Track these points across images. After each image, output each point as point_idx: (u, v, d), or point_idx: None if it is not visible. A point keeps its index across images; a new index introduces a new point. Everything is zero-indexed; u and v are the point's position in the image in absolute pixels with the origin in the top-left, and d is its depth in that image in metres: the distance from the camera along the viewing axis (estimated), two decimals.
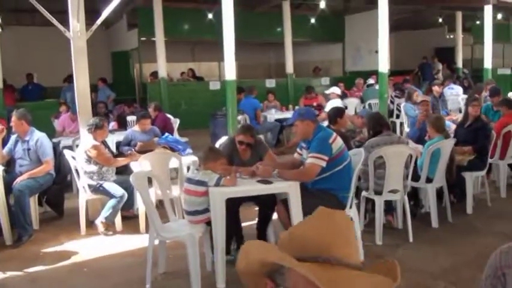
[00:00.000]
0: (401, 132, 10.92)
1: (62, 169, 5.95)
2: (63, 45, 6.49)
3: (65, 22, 5.77)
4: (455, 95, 11.62)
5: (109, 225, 5.34)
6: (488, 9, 12.10)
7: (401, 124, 11.07)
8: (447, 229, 5.28)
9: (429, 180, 5.29)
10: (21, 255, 4.92)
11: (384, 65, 10.06)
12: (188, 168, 5.34)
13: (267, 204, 4.38)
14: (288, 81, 13.98)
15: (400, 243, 4.89)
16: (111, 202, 5.27)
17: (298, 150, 4.52)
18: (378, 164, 4.77)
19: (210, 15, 13.29)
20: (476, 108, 6.10)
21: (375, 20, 15.11)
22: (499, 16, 16.82)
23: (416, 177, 5.20)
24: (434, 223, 5.29)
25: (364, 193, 4.96)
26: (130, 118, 8.88)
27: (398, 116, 11.09)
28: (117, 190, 5.28)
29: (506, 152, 6.34)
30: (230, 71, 7.65)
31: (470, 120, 6.13)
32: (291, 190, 3.95)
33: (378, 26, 14.10)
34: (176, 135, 7.60)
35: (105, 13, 5.98)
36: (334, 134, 4.19)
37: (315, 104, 10.24)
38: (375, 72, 14.15)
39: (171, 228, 4.05)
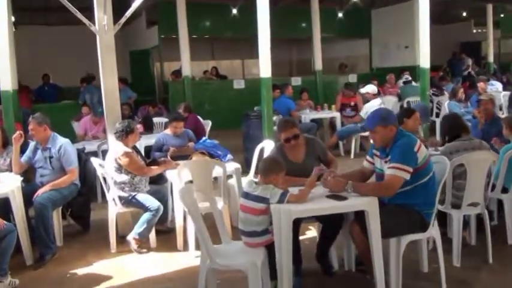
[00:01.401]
0: None
1: (87, 178, 5.36)
2: (80, 44, 5.94)
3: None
4: (495, 91, 10.85)
5: (142, 241, 4.73)
6: None
7: None
8: None
9: (504, 190, 4.61)
10: (44, 278, 4.33)
11: (425, 60, 9.32)
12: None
13: (333, 221, 3.74)
14: (317, 79, 13.29)
15: (479, 265, 4.21)
16: (146, 216, 4.65)
17: (368, 157, 3.87)
18: (458, 174, 4.10)
19: (234, 11, 12.65)
20: None
21: (403, 13, 14.61)
22: None
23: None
24: (511, 239, 4.60)
25: (438, 207, 4.27)
26: (157, 120, 8.27)
27: (438, 115, 10.39)
28: (153, 202, 4.66)
29: None
30: (265, 69, 7.06)
31: None
32: (370, 207, 3.30)
33: (413, 19, 13.54)
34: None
35: (136, 4, 5.36)
36: (419, 141, 3.53)
37: (352, 103, 9.52)
38: (403, 69, 13.55)
39: (226, 253, 3.41)
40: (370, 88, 9.25)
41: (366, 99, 9.36)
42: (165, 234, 5.06)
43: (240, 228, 3.48)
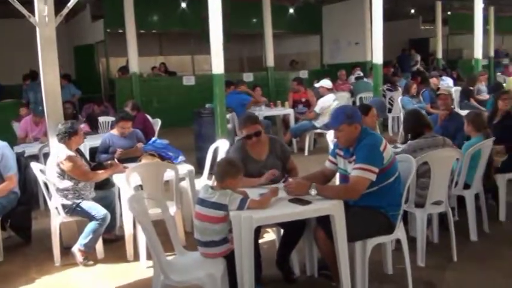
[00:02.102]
0: (397, 128, 10.29)
1: (28, 185, 4.90)
2: (22, 39, 5.47)
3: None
4: (446, 87, 11.00)
5: (89, 253, 4.34)
6: None
7: (397, 119, 10.44)
8: (487, 242, 4.57)
9: (466, 186, 4.55)
10: None
11: (378, 56, 9.32)
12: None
13: (295, 226, 3.52)
14: (269, 75, 13.11)
15: (444, 264, 4.11)
16: (92, 225, 4.27)
17: (330, 157, 3.66)
18: (421, 172, 3.97)
19: (183, 4, 12.24)
20: (506, 102, 5.40)
21: (353, 10, 14.65)
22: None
23: None
24: (473, 236, 4.56)
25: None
26: (103, 119, 7.80)
27: (390, 111, 10.44)
28: (99, 210, 4.29)
29: None
30: (218, 65, 6.75)
31: (500, 115, 5.43)
32: (336, 211, 3.09)
33: (364, 16, 13.69)
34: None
35: None
36: (384, 140, 3.36)
37: (303, 99, 9.38)
38: (354, 65, 13.60)
39: (181, 267, 3.11)
40: (325, 82, 9.09)
41: (319, 94, 9.21)
42: (113, 243, 4.69)
43: (196, 238, 3.20)
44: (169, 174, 4.39)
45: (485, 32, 13.93)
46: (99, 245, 4.42)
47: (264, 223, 3.05)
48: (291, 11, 14.24)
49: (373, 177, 3.20)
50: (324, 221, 3.18)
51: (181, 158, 4.98)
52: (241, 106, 8.45)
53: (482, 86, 10.43)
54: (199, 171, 5.56)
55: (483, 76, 10.71)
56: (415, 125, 4.35)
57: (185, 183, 4.70)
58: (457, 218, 4.78)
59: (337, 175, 3.72)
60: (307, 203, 3.09)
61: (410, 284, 3.60)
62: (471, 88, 10.21)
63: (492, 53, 17.26)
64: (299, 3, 13.84)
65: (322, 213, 3.09)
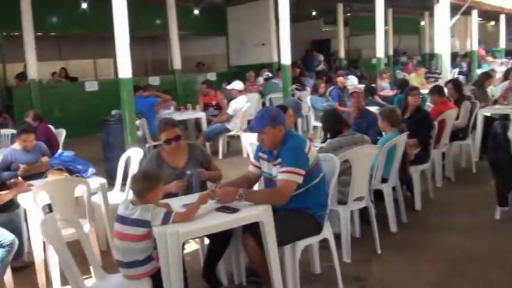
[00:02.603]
0: (307, 127, 10.48)
1: None
2: None
3: None
4: (351, 85, 11.42)
5: None
6: None
7: (306, 118, 10.63)
8: (407, 231, 4.75)
9: (384, 180, 4.68)
10: None
11: (286, 56, 9.43)
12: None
13: (222, 235, 3.36)
14: (176, 78, 12.80)
15: (369, 257, 4.20)
16: None
17: (253, 161, 3.56)
18: (342, 170, 3.98)
19: (84, 5, 11.53)
20: (416, 97, 5.66)
21: (258, 11, 14.76)
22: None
23: None
24: (393, 227, 4.72)
25: None
26: (2, 132, 7.11)
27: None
28: (5, 236, 3.80)
29: (440, 141, 5.99)
30: (125, 69, 6.45)
31: (411, 110, 5.68)
32: (265, 217, 2.99)
33: (268, 17, 13.83)
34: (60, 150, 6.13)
35: None
36: (308, 142, 3.31)
37: (214, 102, 9.24)
38: (261, 66, 13.72)
39: None
40: (237, 84, 9.04)
41: (229, 96, 9.13)
42: (23, 271, 4.23)
43: (118, 259, 2.94)
44: (80, 190, 4.06)
45: (385, 32, 14.67)
46: (8, 275, 3.92)
47: (192, 236, 2.88)
48: (196, 12, 14.03)
49: (300, 179, 3.15)
50: (252, 227, 3.06)
51: (91, 170, 4.63)
52: (150, 110, 8.10)
53: (385, 83, 10.94)
54: (110, 182, 5.22)
55: (386, 74, 11.25)
56: (334, 124, 4.38)
57: (97, 198, 4.37)
58: (375, 210, 4.91)
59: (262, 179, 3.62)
60: (236, 210, 2.96)
61: (340, 281, 3.60)
62: (374, 85, 10.67)
63: (391, 52, 18.21)
64: (203, 5, 13.67)
65: (252, 220, 2.97)
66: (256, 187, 3.82)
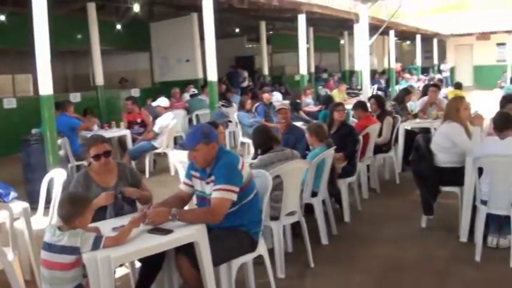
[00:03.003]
0: (235, 143, 10.49)
1: None
2: None
3: None
4: (276, 101, 11.60)
5: None
6: (302, 18, 12.41)
7: (233, 134, 10.64)
8: (337, 244, 4.85)
9: (313, 193, 4.75)
10: None
11: (212, 73, 9.43)
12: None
13: (155, 258, 3.23)
14: (99, 95, 12.38)
15: (303, 271, 4.23)
16: None
17: (185, 180, 3.47)
18: (274, 185, 3.97)
19: (1, 17, 10.82)
20: (341, 113, 5.84)
21: (182, 27, 14.67)
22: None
23: None
24: (324, 240, 4.81)
25: None
26: None
27: (227, 126, 10.59)
28: None
29: (365, 154, 6.21)
30: (46, 85, 6.16)
31: (337, 125, 5.85)
32: (200, 237, 2.91)
33: (192, 33, 13.77)
34: None
35: None
36: (241, 158, 3.29)
37: (139, 120, 9.01)
38: (186, 82, 13.62)
39: None
40: (162, 101, 8.87)
41: (156, 113, 8.95)
42: None
43: None
44: (1, 216, 3.77)
45: (307, 50, 15.09)
46: None
47: (125, 261, 2.73)
48: (119, 26, 13.71)
49: (234, 196, 3.11)
50: (186, 248, 2.97)
51: (13, 194, 4.30)
52: (71, 130, 7.74)
53: (309, 99, 11.22)
54: (32, 206, 4.89)
55: (309, 90, 11.55)
56: (264, 140, 4.39)
57: (20, 224, 4.08)
58: (306, 224, 4.97)
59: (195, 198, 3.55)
60: (169, 232, 2.86)
61: None
62: (299, 101, 10.91)
63: (313, 69, 18.76)
64: (126, 19, 13.38)
65: (186, 241, 2.88)
66: (187, 206, 3.74)
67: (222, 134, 4.84)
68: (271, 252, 4.01)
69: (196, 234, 2.90)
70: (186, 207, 3.58)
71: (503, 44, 24.64)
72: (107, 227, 2.99)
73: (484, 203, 4.30)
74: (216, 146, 3.22)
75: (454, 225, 4.90)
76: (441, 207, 5.27)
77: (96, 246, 2.64)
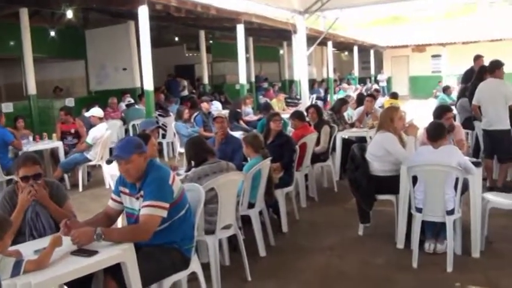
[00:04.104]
0: (173, 153, 10.28)
1: None
2: None
3: None
4: (216, 110, 11.50)
5: None
6: (240, 28, 12.40)
7: (171, 144, 10.42)
8: (276, 255, 4.78)
9: (250, 205, 4.67)
10: None
11: (148, 82, 9.20)
12: None
13: (80, 281, 3.00)
14: (31, 104, 11.77)
15: (240, 285, 4.15)
16: None
17: (114, 196, 3.29)
18: (209, 198, 3.87)
19: None
20: (278, 123, 5.81)
21: (118, 35, 14.27)
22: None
23: None
24: (262, 251, 4.74)
25: None
26: None
27: (164, 136, 10.38)
28: None
29: (303, 164, 6.21)
30: None
31: (273, 135, 5.81)
32: (127, 257, 2.74)
33: (129, 41, 13.43)
34: None
35: None
36: (172, 173, 3.15)
37: (73, 130, 8.65)
38: (123, 91, 13.26)
39: None
40: (96, 111, 8.53)
41: (90, 123, 8.61)
42: None
43: None
44: None
45: (246, 59, 15.10)
46: None
47: (47, 287, 2.50)
48: (53, 34, 13.14)
49: (164, 213, 2.97)
50: (114, 269, 2.79)
51: None
52: (3, 143, 7.27)
53: (249, 108, 11.18)
54: None
55: (249, 99, 11.52)
56: (198, 152, 4.27)
57: None
58: (243, 236, 4.86)
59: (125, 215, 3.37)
60: (94, 253, 2.67)
61: None
62: (239, 110, 10.85)
63: (254, 78, 18.80)
64: (60, 26, 12.85)
65: (112, 262, 2.70)
66: (120, 224, 3.56)
67: (155, 146, 4.65)
68: (207, 266, 3.90)
69: (122, 254, 2.73)
70: (117, 225, 3.41)
71: (438, 55, 25.70)
72: (29, 249, 2.76)
73: (419, 210, 4.38)
74: (147, 158, 3.07)
75: (391, 233, 4.98)
76: (378, 215, 5.34)
77: (16, 271, 2.42)
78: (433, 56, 26.41)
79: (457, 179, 4.22)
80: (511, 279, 4.05)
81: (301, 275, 4.31)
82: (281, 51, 23.26)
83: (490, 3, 27.01)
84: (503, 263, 4.35)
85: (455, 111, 8.90)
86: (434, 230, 4.58)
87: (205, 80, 17.02)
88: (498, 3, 26.85)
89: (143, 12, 8.94)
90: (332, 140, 7.09)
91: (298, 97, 14.54)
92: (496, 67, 6.56)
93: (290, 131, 7.00)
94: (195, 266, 3.37)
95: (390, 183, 4.80)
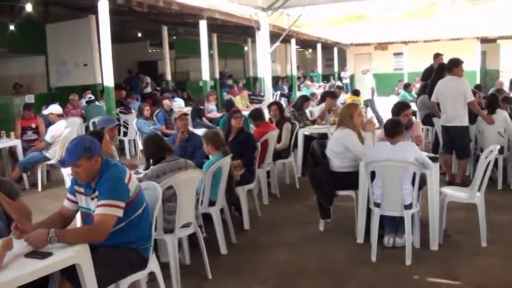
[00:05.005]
0: (135, 151, 10.14)
1: None
2: None
3: None
4: (178, 107, 11.40)
5: None
6: (203, 24, 12.32)
7: (133, 141, 10.29)
8: (237, 253, 4.78)
9: (211, 203, 4.65)
10: None
11: (108, 78, 9.04)
12: None
13: (37, 284, 2.93)
14: None
15: (201, 284, 4.12)
16: None
17: (69, 195, 3.21)
18: (167, 197, 3.85)
19: None
20: (239, 120, 5.80)
21: (79, 30, 13.96)
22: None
23: None
24: (223, 249, 4.73)
25: None
26: None
27: (126, 134, 10.23)
28: None
29: (264, 161, 6.23)
30: None
31: (234, 133, 5.79)
32: (82, 259, 2.69)
33: (90, 37, 13.16)
34: None
35: None
36: (128, 171, 3.10)
37: (34, 125, 8.41)
38: (84, 87, 12.99)
39: None
40: (55, 108, 8.31)
41: (49, 121, 8.39)
42: None
43: None
44: None
45: (210, 56, 15.01)
46: None
47: None
48: (12, 27, 12.74)
49: (120, 212, 2.92)
50: (69, 271, 2.73)
51: None
52: None
53: (212, 105, 11.13)
54: None
55: (212, 96, 11.46)
56: (156, 150, 4.22)
57: None
58: (204, 234, 4.84)
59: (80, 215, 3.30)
60: (48, 255, 2.60)
61: None
62: (202, 107, 10.80)
63: (218, 75, 18.74)
64: (20, 20, 12.47)
65: (66, 264, 2.63)
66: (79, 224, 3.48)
67: (109, 143, 4.58)
68: (168, 266, 3.87)
69: (77, 255, 2.67)
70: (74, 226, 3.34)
71: (400, 53, 26.17)
72: None
73: (378, 205, 4.46)
74: (99, 160, 3.01)
75: (351, 228, 5.06)
76: (338, 210, 5.43)
77: None
78: (395, 54, 26.89)
79: (414, 174, 4.31)
80: (469, 270, 4.18)
81: (261, 272, 4.32)
82: (246, 48, 23.27)
83: (451, 2, 27.71)
84: (461, 255, 4.48)
85: (415, 108, 9.13)
86: (393, 225, 4.68)
87: (168, 77, 16.87)
88: (459, 3, 27.58)
89: (103, 6, 8.79)
90: (294, 137, 7.14)
91: (262, 94, 14.55)
92: (454, 65, 6.70)
93: (253, 128, 7.00)
94: (153, 266, 3.34)
95: (350, 179, 4.87)
